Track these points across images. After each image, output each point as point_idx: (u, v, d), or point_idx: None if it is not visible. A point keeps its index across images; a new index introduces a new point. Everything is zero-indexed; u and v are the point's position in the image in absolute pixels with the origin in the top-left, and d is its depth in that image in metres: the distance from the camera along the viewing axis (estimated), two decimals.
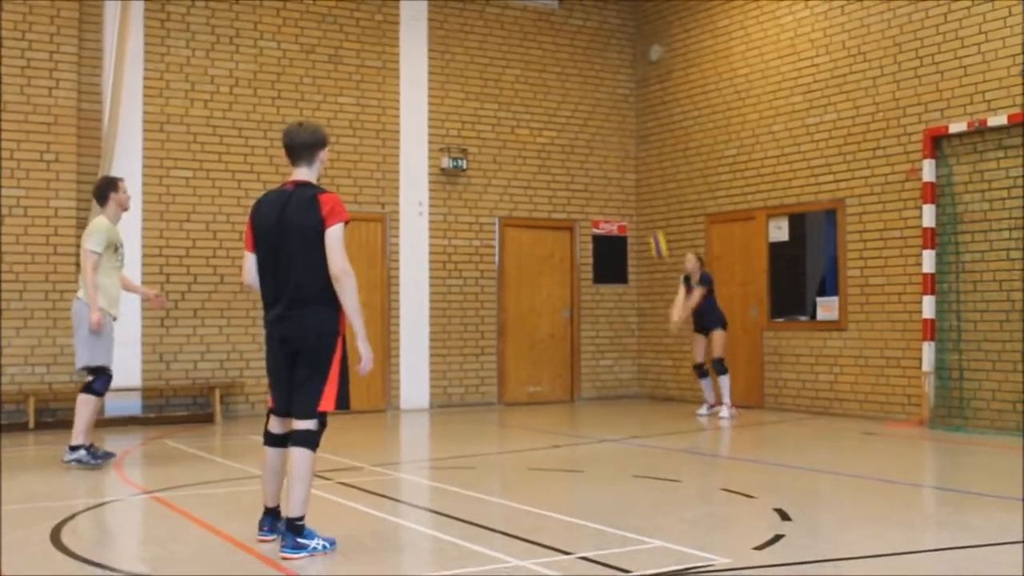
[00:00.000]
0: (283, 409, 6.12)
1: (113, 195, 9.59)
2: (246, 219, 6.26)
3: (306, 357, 5.97)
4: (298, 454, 5.91)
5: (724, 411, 13.74)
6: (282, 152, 6.29)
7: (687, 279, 14.16)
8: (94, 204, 11.07)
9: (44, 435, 12.27)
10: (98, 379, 9.42)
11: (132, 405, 13.42)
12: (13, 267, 12.74)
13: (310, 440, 5.94)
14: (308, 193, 6.01)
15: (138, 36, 13.60)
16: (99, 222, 9.45)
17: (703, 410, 14.16)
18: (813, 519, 7.14)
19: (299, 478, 5.88)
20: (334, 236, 5.93)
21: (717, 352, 13.79)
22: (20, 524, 6.89)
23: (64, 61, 13.12)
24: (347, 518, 7.15)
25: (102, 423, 12.94)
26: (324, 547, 5.91)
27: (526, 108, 16.31)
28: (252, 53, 14.33)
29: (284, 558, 5.83)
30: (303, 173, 6.16)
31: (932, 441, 11.46)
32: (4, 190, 12.74)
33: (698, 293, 13.87)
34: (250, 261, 6.16)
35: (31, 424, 12.55)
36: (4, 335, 12.68)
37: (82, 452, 9.32)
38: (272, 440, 6.20)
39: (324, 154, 6.24)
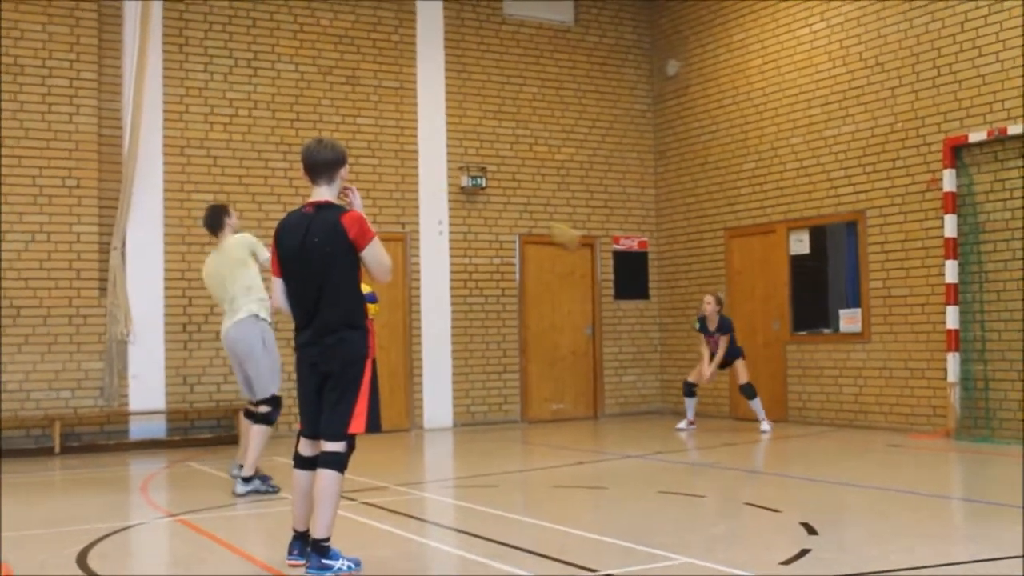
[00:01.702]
0: (313, 432, 6.08)
1: (228, 220, 9.37)
2: (270, 243, 6.25)
3: (335, 381, 5.93)
4: (326, 476, 5.88)
5: (765, 425, 13.61)
6: (302, 173, 6.25)
7: (703, 323, 13.92)
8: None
9: (70, 459, 12.32)
10: (274, 409, 9.09)
11: (157, 428, 13.46)
12: (37, 293, 12.82)
13: (338, 462, 5.90)
14: (331, 217, 5.94)
15: (157, 61, 13.69)
16: (243, 236, 9.23)
17: (683, 424, 14.25)
18: (840, 533, 7.10)
19: (326, 500, 5.85)
20: (373, 257, 5.97)
21: (743, 379, 13.70)
22: (46, 548, 6.91)
23: (84, 88, 13.23)
24: (373, 538, 7.14)
25: (127, 446, 13.03)
26: (350, 567, 5.90)
27: (544, 125, 16.34)
28: (270, 76, 14.41)
29: None
30: (323, 192, 6.08)
31: (958, 453, 11.38)
32: (27, 217, 12.83)
33: (722, 347, 13.71)
34: (278, 286, 6.13)
35: (56, 448, 12.60)
36: (29, 360, 12.75)
37: (257, 482, 9.03)
38: (302, 463, 6.14)
39: (345, 171, 6.15)
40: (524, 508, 8.71)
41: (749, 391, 13.70)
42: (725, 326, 13.78)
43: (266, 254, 8.88)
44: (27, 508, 8.75)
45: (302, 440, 6.15)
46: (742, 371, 13.75)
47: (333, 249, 5.89)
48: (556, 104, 16.46)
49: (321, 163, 6.07)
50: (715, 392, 15.86)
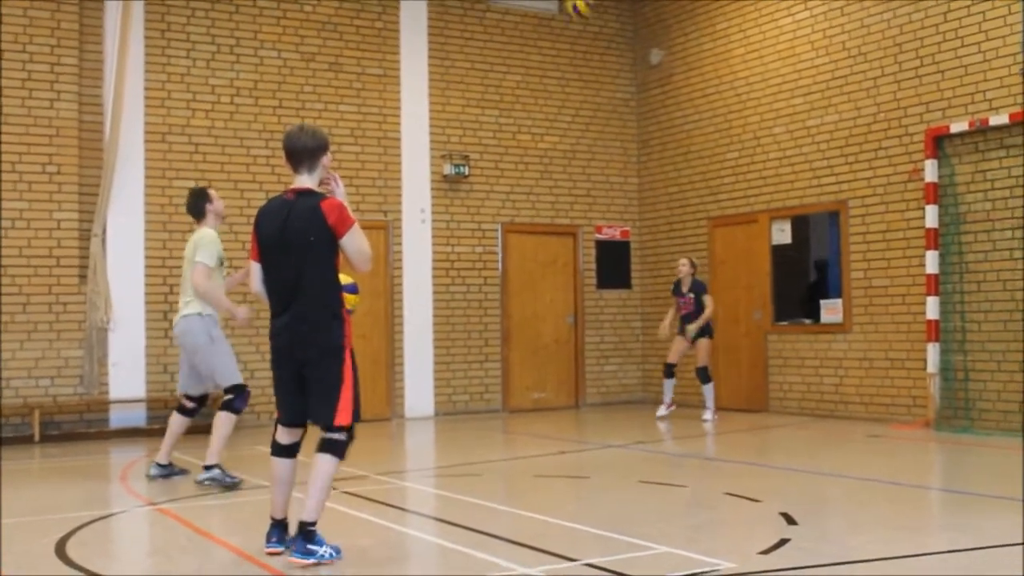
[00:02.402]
0: (290, 419, 6.07)
1: (209, 207, 9.16)
2: (251, 228, 6.13)
3: (314, 369, 5.90)
4: (325, 460, 5.90)
5: (708, 415, 13.91)
6: (284, 161, 6.22)
7: (677, 286, 14.17)
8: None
9: (49, 447, 12.27)
10: (238, 397, 9.01)
11: (136, 416, 13.40)
12: (16, 280, 12.75)
13: (338, 449, 5.93)
14: (310, 203, 5.88)
15: (138, 47, 13.60)
16: (208, 234, 8.97)
17: (662, 411, 14.27)
18: (819, 523, 7.12)
19: (320, 484, 5.87)
20: (352, 244, 5.92)
21: (702, 361, 13.93)
22: (25, 537, 6.88)
23: (65, 73, 13.14)
24: (353, 527, 7.13)
25: (107, 435, 12.98)
26: (331, 555, 5.89)
27: (527, 114, 16.31)
28: (253, 62, 14.34)
29: (293, 563, 5.82)
30: (304, 180, 6.03)
31: (938, 443, 11.43)
32: (7, 203, 12.75)
33: (708, 308, 13.85)
34: (256, 270, 6.07)
35: (36, 437, 12.55)
36: (8, 348, 12.68)
37: (217, 471, 8.85)
38: (280, 451, 6.12)
39: (327, 158, 6.08)
40: (505, 497, 8.71)
41: (704, 375, 13.92)
42: (698, 286, 14.01)
43: (201, 259, 8.74)
44: (6, 496, 8.71)
45: (280, 428, 6.12)
46: (704, 352, 13.94)
47: (312, 236, 5.84)
48: (539, 92, 16.43)
49: (302, 150, 6.00)
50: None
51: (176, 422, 9.39)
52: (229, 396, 9.00)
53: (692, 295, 13.92)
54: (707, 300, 13.89)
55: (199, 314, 9.00)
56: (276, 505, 6.17)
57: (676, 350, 14.17)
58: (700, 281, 14.14)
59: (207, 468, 8.87)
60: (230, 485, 8.79)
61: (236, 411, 8.99)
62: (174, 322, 9.25)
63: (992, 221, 12.04)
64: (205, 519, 7.54)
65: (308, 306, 5.88)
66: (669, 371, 14.23)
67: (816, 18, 14.21)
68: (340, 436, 5.93)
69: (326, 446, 5.92)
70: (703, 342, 13.90)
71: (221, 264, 8.99)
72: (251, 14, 14.36)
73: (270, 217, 6.01)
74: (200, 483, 8.85)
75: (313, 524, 5.88)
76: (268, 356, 6.32)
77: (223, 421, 8.92)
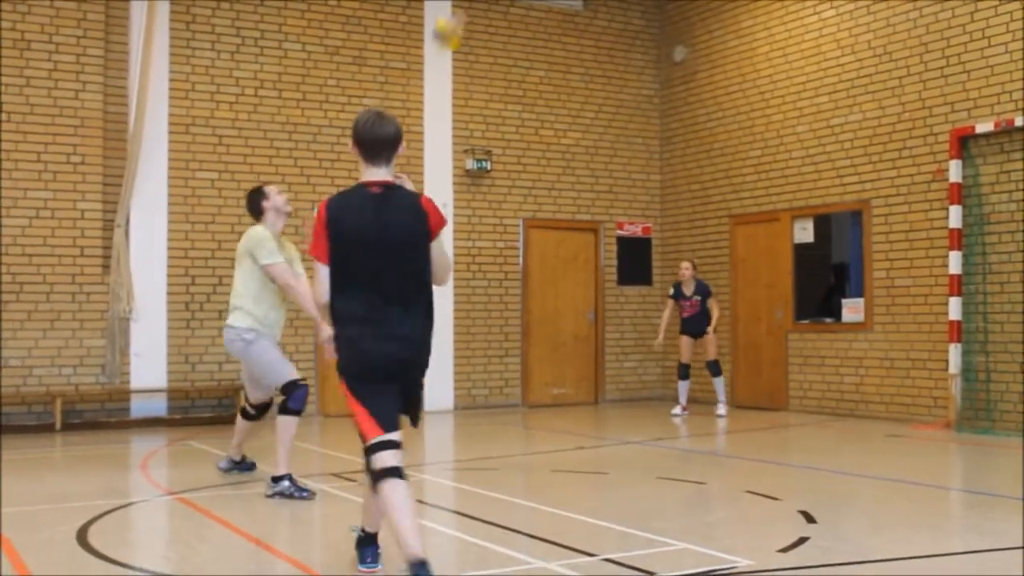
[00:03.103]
0: (393, 429, 5.21)
1: (266, 203, 8.57)
2: (315, 225, 5.19)
3: (417, 375, 5.37)
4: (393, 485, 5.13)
5: (721, 408, 14.09)
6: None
7: (678, 288, 14.23)
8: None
9: (71, 436, 12.35)
10: (292, 396, 8.24)
11: (158, 406, 13.47)
12: (40, 269, 12.83)
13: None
14: (410, 198, 5.20)
15: (163, 38, 13.66)
16: (257, 231, 8.41)
17: (677, 411, 14.31)
18: (838, 522, 7.10)
19: (404, 507, 5.08)
20: (440, 249, 5.31)
21: (712, 354, 14.07)
22: (47, 524, 6.93)
23: (90, 64, 13.21)
24: None
25: (128, 424, 13.06)
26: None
27: (550, 109, 16.31)
28: (277, 55, 14.38)
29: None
30: (382, 173, 5.23)
31: (959, 444, 11.39)
32: (31, 193, 12.83)
33: (715, 312, 14.09)
34: (323, 276, 5.15)
35: (58, 425, 12.63)
36: (31, 336, 12.76)
37: (286, 483, 8.02)
38: (389, 470, 5.12)
39: (402, 149, 5.33)
40: (523, 492, 8.72)
41: (716, 368, 14.03)
42: (703, 289, 14.13)
43: (266, 260, 8.23)
44: (28, 484, 8.78)
45: (387, 452, 5.17)
46: (713, 345, 14.09)
47: (416, 231, 5.18)
48: (563, 88, 16.42)
49: (385, 140, 5.21)
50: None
51: (239, 423, 9.02)
52: (283, 397, 8.31)
53: (698, 297, 14.07)
54: (713, 305, 14.11)
55: (234, 327, 8.40)
56: (372, 516, 5.63)
57: (686, 350, 14.30)
58: (704, 283, 14.29)
59: (275, 480, 8.08)
60: (300, 498, 7.97)
61: (294, 412, 8.24)
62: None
63: (1017, 222, 11.97)
64: (224, 509, 7.57)
65: (412, 310, 5.22)
66: (685, 372, 14.32)
67: (842, 16, 14.15)
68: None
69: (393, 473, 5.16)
70: (712, 336, 14.07)
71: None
72: (276, 7, 14.39)
73: (353, 211, 5.17)
74: (269, 497, 8.00)
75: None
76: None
77: (281, 427, 8.21)
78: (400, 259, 5.15)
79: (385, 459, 5.10)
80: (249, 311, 8.38)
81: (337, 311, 5.18)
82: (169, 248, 13.61)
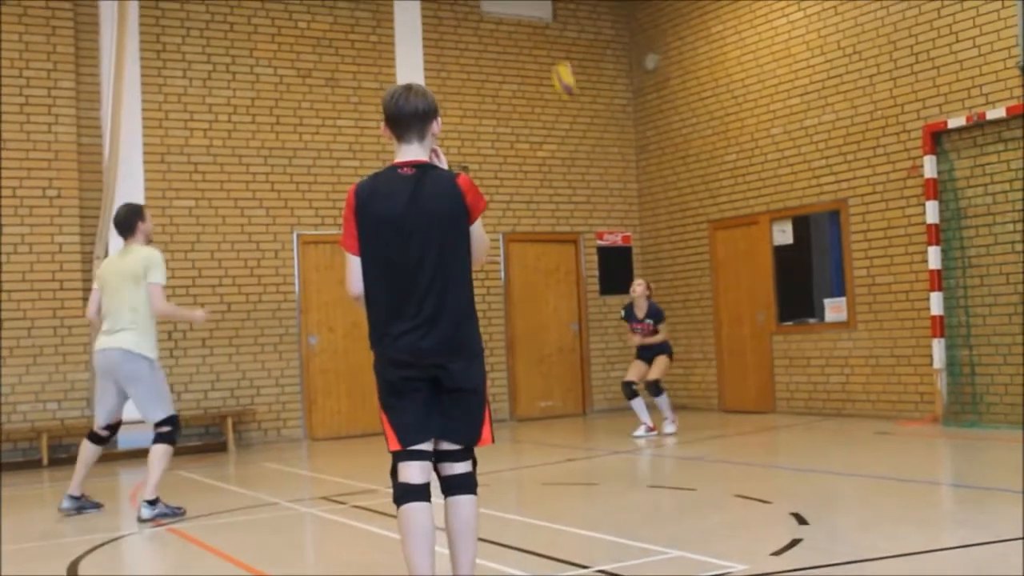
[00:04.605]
0: (423, 444, 4.76)
1: (141, 225, 8.73)
2: (344, 212, 4.86)
3: (460, 382, 4.75)
4: (468, 504, 4.85)
5: (669, 426, 12.93)
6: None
7: (629, 309, 13.05)
8: (102, 236, 9.99)
9: (58, 471, 12.26)
10: (174, 429, 8.58)
11: (144, 437, 13.33)
12: (20, 304, 12.77)
13: (473, 483, 4.90)
14: (445, 176, 4.78)
15: (135, 68, 13.63)
16: (156, 253, 8.60)
17: (641, 431, 12.85)
18: (830, 522, 7.11)
19: (473, 532, 4.87)
20: (480, 231, 4.87)
21: (655, 375, 12.79)
22: (36, 561, 6.89)
23: (62, 96, 13.17)
24: (363, 541, 7.13)
25: (116, 456, 12.97)
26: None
27: (525, 123, 16.34)
28: (249, 80, 14.37)
29: None
30: (415, 151, 4.83)
31: (946, 438, 11.42)
32: (8, 228, 12.78)
33: (662, 334, 12.93)
34: (355, 267, 4.77)
35: (45, 461, 12.55)
36: (14, 372, 12.69)
37: (161, 505, 8.37)
38: (413, 493, 4.71)
39: (437, 125, 4.91)
40: (515, 506, 8.70)
41: (656, 388, 12.79)
42: (656, 313, 12.90)
43: (156, 279, 8.41)
44: (17, 521, 8.71)
45: (406, 466, 4.75)
46: (658, 367, 12.84)
47: (454, 213, 4.74)
48: (536, 101, 16.45)
49: (411, 114, 4.80)
50: (703, 384, 15.90)
51: (89, 451, 8.90)
52: (167, 428, 8.58)
53: (650, 322, 12.85)
54: (663, 330, 12.95)
55: (142, 356, 8.50)
56: (418, 564, 4.74)
57: (634, 370, 13.04)
58: (658, 306, 13.13)
59: (150, 504, 8.33)
60: (176, 516, 8.38)
61: (173, 443, 8.58)
62: (101, 346, 8.56)
63: (993, 215, 12.04)
64: (216, 539, 7.53)
65: (453, 304, 4.74)
66: (630, 391, 12.96)
67: (810, 18, 14.22)
68: (469, 468, 4.92)
69: (463, 484, 4.87)
70: (662, 358, 12.89)
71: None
72: (246, 32, 14.39)
73: (384, 196, 4.75)
74: (144, 521, 8.26)
75: None
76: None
77: (162, 454, 8.49)
78: (436, 246, 4.70)
79: (410, 476, 4.71)
80: (151, 334, 8.60)
81: (370, 306, 4.78)
82: None
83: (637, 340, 12.99)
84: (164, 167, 13.78)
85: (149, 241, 8.93)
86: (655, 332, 12.89)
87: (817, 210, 14.24)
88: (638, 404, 12.93)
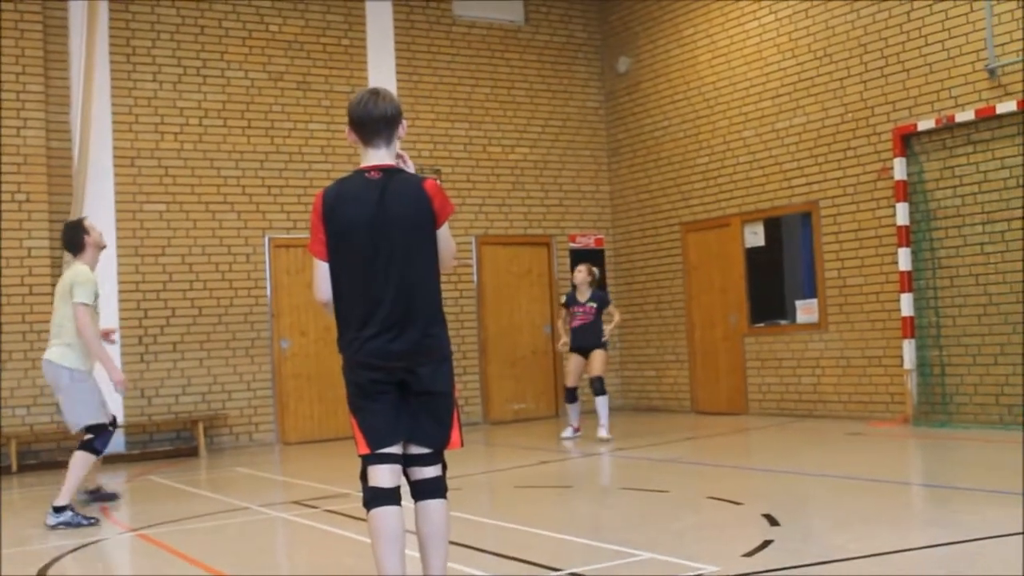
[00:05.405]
0: (391, 450, 4.76)
1: (87, 239, 8.84)
2: (311, 218, 4.86)
3: (428, 385, 4.74)
4: (440, 509, 4.86)
5: (603, 432, 12.55)
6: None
7: (571, 295, 12.91)
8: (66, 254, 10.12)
9: (27, 477, 12.17)
10: (98, 437, 8.65)
11: (115, 442, 13.27)
12: None
13: (444, 487, 4.91)
14: (412, 181, 4.81)
15: (104, 72, 13.55)
16: (84, 271, 8.67)
17: (568, 432, 12.90)
18: (802, 523, 7.14)
19: (444, 536, 4.87)
20: (446, 236, 4.88)
21: (597, 371, 12.58)
22: (8, 567, 6.82)
23: (31, 100, 13.07)
24: (336, 546, 7.11)
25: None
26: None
27: (497, 126, 16.33)
28: (220, 84, 14.31)
29: None
30: (381, 155, 4.87)
31: (917, 438, 11.48)
32: None
33: (616, 317, 12.96)
34: (324, 273, 4.76)
35: (14, 467, 12.45)
36: None
37: (69, 513, 8.34)
38: (383, 497, 4.70)
39: (403, 129, 4.98)
40: (487, 509, 8.69)
41: (599, 386, 12.56)
42: (599, 298, 12.76)
43: (82, 299, 8.46)
44: None
45: (375, 469, 4.73)
46: (600, 362, 12.65)
47: (420, 218, 4.74)
48: (508, 104, 16.46)
49: (380, 118, 4.84)
50: (676, 386, 15.93)
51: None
52: (91, 436, 8.69)
53: (593, 304, 12.65)
54: (614, 311, 12.94)
55: (67, 368, 8.69)
56: (389, 565, 4.69)
57: (574, 372, 12.87)
58: (603, 293, 13.11)
59: (58, 510, 8.37)
60: (88, 525, 8.36)
61: (96, 452, 8.68)
62: (45, 356, 8.86)
63: (962, 216, 12.12)
64: (186, 543, 7.49)
65: (419, 308, 4.76)
66: (572, 396, 12.97)
67: (781, 21, 14.28)
68: (439, 472, 4.94)
69: (435, 489, 4.88)
70: (599, 353, 12.65)
71: (96, 299, 8.73)
72: (216, 35, 14.32)
73: (351, 201, 4.75)
74: (52, 527, 8.29)
75: None
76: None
77: (81, 461, 8.57)
78: (403, 250, 4.70)
79: (380, 480, 4.70)
80: (76, 346, 8.70)
81: (339, 310, 4.77)
82: (120, 282, 13.48)
83: (562, 342, 13.04)
84: (134, 171, 13.71)
85: (101, 248, 9.07)
86: (597, 318, 12.69)
87: (788, 212, 14.30)
88: (574, 408, 13.00)
